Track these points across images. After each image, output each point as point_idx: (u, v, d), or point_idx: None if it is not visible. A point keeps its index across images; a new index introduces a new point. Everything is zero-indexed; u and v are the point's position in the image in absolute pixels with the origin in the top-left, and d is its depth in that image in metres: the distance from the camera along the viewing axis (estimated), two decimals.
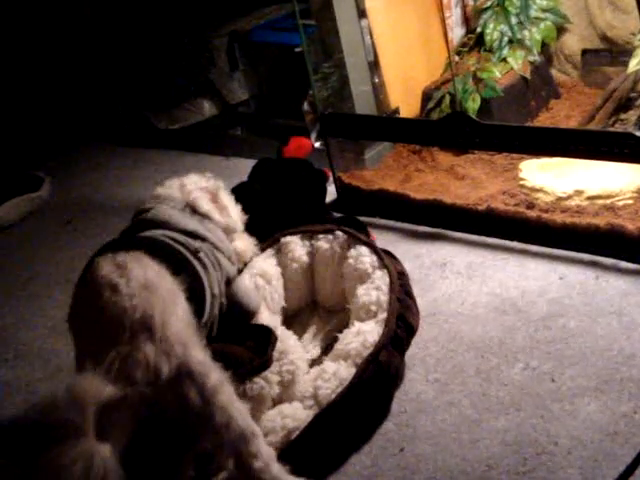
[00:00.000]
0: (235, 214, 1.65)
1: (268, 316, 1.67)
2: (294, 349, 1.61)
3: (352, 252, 1.78)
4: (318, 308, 1.90)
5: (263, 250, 1.85)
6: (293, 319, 1.86)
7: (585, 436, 1.44)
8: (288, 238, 1.87)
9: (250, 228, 2.09)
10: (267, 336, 1.56)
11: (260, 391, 1.51)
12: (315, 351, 1.73)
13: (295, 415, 1.49)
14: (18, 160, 3.30)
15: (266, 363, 1.53)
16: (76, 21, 3.60)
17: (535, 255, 1.98)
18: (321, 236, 1.85)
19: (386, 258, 1.73)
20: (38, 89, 3.58)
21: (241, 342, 1.56)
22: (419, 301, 1.73)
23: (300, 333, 1.77)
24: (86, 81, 3.61)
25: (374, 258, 1.74)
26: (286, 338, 1.62)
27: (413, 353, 1.71)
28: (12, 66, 3.53)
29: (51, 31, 3.58)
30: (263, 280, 1.80)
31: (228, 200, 1.65)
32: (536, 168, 2.15)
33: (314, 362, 1.70)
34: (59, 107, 3.58)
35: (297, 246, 1.86)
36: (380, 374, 1.53)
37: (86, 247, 2.56)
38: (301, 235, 1.87)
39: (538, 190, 2.09)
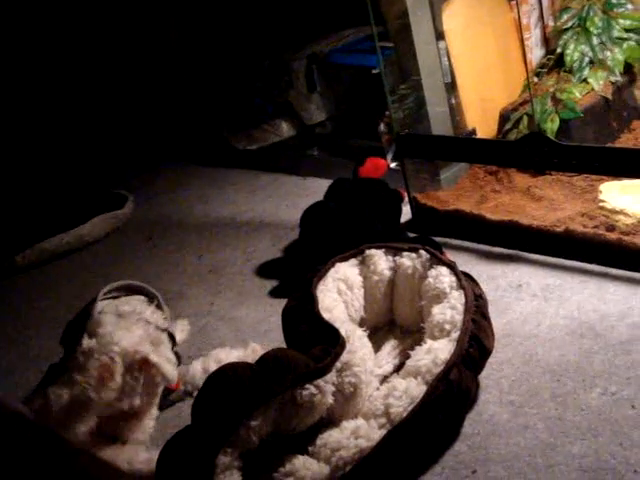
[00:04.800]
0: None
1: (347, 323, 1.68)
2: (362, 362, 1.59)
3: (432, 272, 1.77)
4: (395, 328, 1.90)
5: (347, 259, 1.87)
6: (370, 337, 1.86)
7: None
8: (373, 251, 1.88)
9: (325, 247, 2.13)
10: (334, 344, 1.56)
11: (310, 398, 1.49)
12: (387, 367, 1.73)
13: (369, 435, 1.49)
14: (103, 179, 3.42)
15: (322, 371, 1.51)
16: (162, 44, 3.72)
17: (615, 278, 1.94)
18: (405, 253, 1.86)
19: (464, 279, 1.73)
20: (122, 111, 3.71)
21: (310, 348, 1.57)
22: (494, 322, 1.71)
23: (375, 350, 1.77)
24: (168, 102, 3.73)
25: (453, 279, 1.73)
26: (358, 349, 1.61)
27: (487, 374, 1.69)
28: (101, 87, 3.67)
29: (138, 54, 3.71)
30: (345, 285, 1.81)
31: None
32: (617, 190, 2.11)
33: (385, 378, 1.70)
34: (142, 128, 3.70)
35: (381, 259, 1.87)
36: (450, 393, 1.51)
37: (166, 263, 2.65)
38: (385, 250, 1.88)
39: (619, 212, 2.04)
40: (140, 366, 1.68)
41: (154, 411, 1.77)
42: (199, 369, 1.90)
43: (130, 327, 1.71)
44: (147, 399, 1.72)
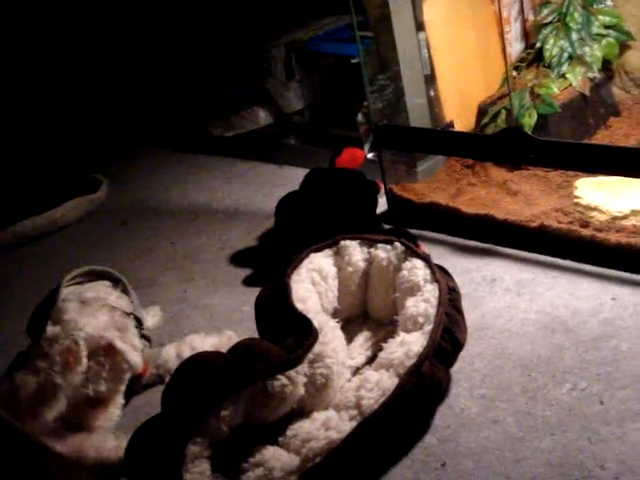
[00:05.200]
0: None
1: (320, 314, 1.68)
2: (334, 353, 1.59)
3: (407, 264, 1.77)
4: (368, 320, 1.90)
5: (322, 249, 1.86)
6: (342, 328, 1.86)
7: (634, 461, 1.40)
8: (348, 242, 1.87)
9: (300, 237, 2.12)
10: (307, 335, 1.55)
11: (282, 389, 1.48)
12: (360, 359, 1.73)
13: (339, 427, 1.49)
14: (77, 163, 3.38)
15: (292, 362, 1.50)
16: (140, 28, 3.68)
17: (588, 274, 1.95)
18: (380, 245, 1.85)
19: (439, 273, 1.73)
20: (97, 95, 3.67)
21: (282, 338, 1.56)
22: (467, 316, 1.72)
23: (348, 342, 1.76)
24: (146, 87, 3.69)
25: (427, 272, 1.73)
26: (330, 340, 1.60)
27: (459, 368, 1.70)
28: (77, 71, 3.63)
29: (112, 37, 3.67)
30: (319, 276, 1.81)
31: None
32: (592, 186, 2.12)
33: (357, 370, 1.70)
34: (117, 113, 3.66)
35: (355, 251, 1.86)
36: (422, 386, 1.52)
37: (139, 249, 2.62)
38: (360, 241, 1.88)
39: (593, 209, 2.05)
40: (105, 351, 1.67)
41: (120, 399, 1.75)
42: (172, 354, 1.88)
43: (94, 313, 1.70)
44: (112, 385, 1.70)
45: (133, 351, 1.70)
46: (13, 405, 1.62)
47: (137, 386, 1.86)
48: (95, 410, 1.69)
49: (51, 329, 1.65)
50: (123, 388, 1.76)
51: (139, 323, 1.87)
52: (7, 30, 3.48)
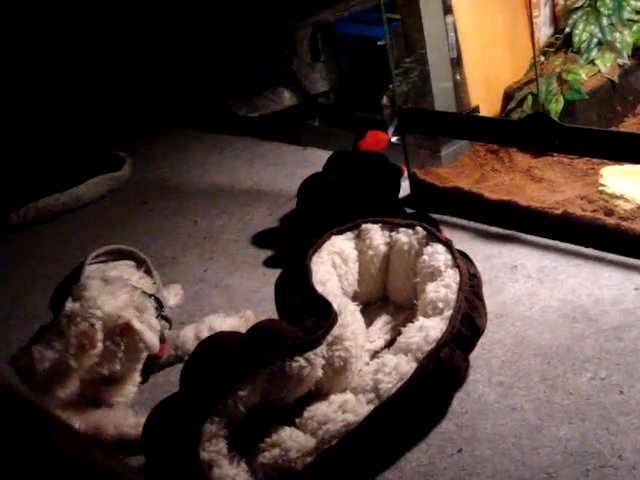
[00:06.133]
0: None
1: (340, 297, 1.67)
2: (353, 336, 1.58)
3: (428, 249, 1.76)
4: (388, 304, 1.89)
5: (343, 232, 1.86)
6: (362, 312, 1.86)
7: None
8: (369, 225, 1.87)
9: (322, 219, 2.11)
10: (326, 317, 1.55)
11: (300, 371, 1.49)
12: (379, 343, 1.73)
13: (357, 410, 1.49)
14: (101, 140, 3.39)
15: (311, 343, 1.50)
16: (169, 7, 3.67)
17: (610, 263, 1.93)
18: (402, 229, 1.84)
19: (460, 258, 1.72)
20: (124, 73, 3.68)
21: (301, 320, 1.56)
22: (487, 302, 1.71)
23: (367, 325, 1.76)
24: (172, 67, 3.69)
25: (448, 257, 1.72)
26: (350, 323, 1.60)
27: (478, 354, 1.69)
28: (105, 50, 3.63)
29: (146, 16, 3.67)
30: (340, 259, 1.81)
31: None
32: (618, 174, 2.09)
33: (376, 354, 1.70)
34: (143, 91, 3.67)
35: (377, 234, 1.85)
36: (440, 371, 1.51)
37: (160, 228, 2.63)
38: (382, 225, 1.87)
39: (618, 197, 2.03)
40: (122, 331, 1.68)
41: (136, 377, 1.77)
42: (191, 335, 1.89)
43: (115, 292, 1.71)
44: (129, 365, 1.72)
45: (150, 331, 1.71)
46: (29, 377, 1.64)
47: (156, 367, 1.87)
48: (111, 387, 1.71)
49: (70, 305, 1.67)
50: (139, 367, 1.77)
51: (159, 305, 1.88)
52: (35, 14, 3.49)
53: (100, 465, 0.80)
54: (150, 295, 1.83)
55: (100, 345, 1.63)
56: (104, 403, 1.69)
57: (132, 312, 1.69)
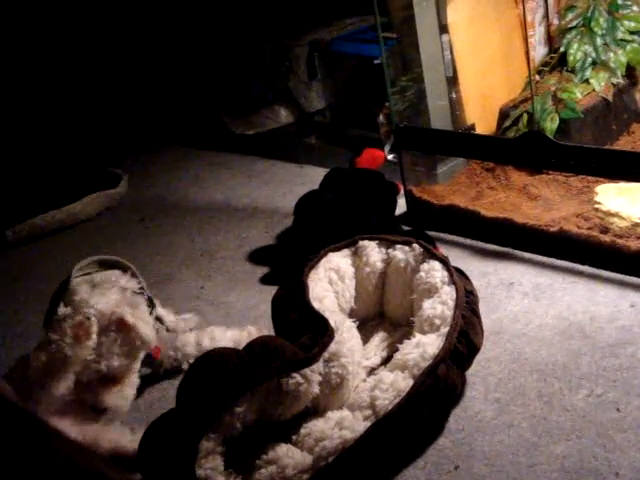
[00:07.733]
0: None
1: (337, 313, 1.67)
2: (350, 353, 1.58)
3: (425, 266, 1.77)
4: (385, 321, 1.90)
5: (340, 249, 1.86)
6: (359, 328, 1.86)
7: None
8: (366, 242, 1.87)
9: (318, 237, 2.12)
10: (323, 334, 1.55)
11: (296, 387, 1.49)
12: (375, 359, 1.73)
13: (353, 427, 1.49)
14: (98, 157, 3.40)
15: (308, 360, 1.50)
16: (164, 25, 3.70)
17: (606, 281, 1.94)
18: (398, 246, 1.85)
19: (456, 275, 1.72)
20: (120, 91, 3.69)
21: (298, 337, 1.56)
22: (484, 319, 1.71)
23: (364, 342, 1.76)
24: (168, 84, 3.71)
25: (445, 274, 1.72)
26: (346, 340, 1.60)
27: (474, 371, 1.69)
28: (100, 66, 3.65)
29: (139, 35, 3.69)
30: (337, 276, 1.81)
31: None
32: (613, 192, 2.10)
33: (372, 370, 1.70)
34: (140, 109, 3.68)
35: (373, 251, 1.86)
36: (437, 388, 1.51)
37: (157, 245, 2.63)
38: (378, 242, 1.88)
39: (613, 215, 2.04)
40: (117, 327, 1.67)
41: (134, 378, 1.74)
42: (191, 340, 1.88)
43: (105, 292, 1.70)
44: (126, 361, 1.70)
45: (144, 325, 1.70)
46: (26, 388, 1.63)
47: (154, 368, 1.86)
48: (109, 389, 1.69)
49: (62, 310, 1.66)
50: (137, 366, 1.75)
51: (151, 303, 1.87)
52: (27, 25, 3.50)
53: (105, 475, 0.81)
54: (139, 293, 1.83)
55: (95, 337, 1.61)
56: (101, 408, 1.67)
57: (125, 308, 1.68)
